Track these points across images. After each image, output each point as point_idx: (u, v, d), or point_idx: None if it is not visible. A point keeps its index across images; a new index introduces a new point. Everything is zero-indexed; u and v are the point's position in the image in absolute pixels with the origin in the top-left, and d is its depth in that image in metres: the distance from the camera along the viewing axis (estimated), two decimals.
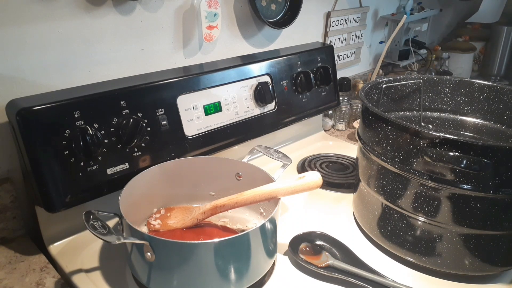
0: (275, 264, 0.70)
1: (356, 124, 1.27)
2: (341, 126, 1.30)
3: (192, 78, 0.84)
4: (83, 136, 0.67)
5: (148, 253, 0.57)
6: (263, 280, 0.66)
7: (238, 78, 0.92)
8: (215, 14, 0.92)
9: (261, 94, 0.95)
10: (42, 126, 0.65)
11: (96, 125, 0.70)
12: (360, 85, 1.42)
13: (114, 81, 0.80)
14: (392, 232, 0.71)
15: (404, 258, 0.71)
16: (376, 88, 0.84)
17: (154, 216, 0.75)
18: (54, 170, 0.66)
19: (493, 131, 0.85)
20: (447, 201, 0.63)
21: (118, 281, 0.66)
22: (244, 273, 0.62)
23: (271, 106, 0.99)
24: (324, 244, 0.73)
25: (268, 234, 0.64)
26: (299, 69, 1.04)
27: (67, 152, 0.67)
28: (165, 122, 0.79)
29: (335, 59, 1.18)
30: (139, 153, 0.76)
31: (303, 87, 1.05)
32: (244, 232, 0.59)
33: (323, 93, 1.12)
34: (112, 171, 0.72)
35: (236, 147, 0.94)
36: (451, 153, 0.58)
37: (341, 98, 1.23)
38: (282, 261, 0.71)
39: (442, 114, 0.90)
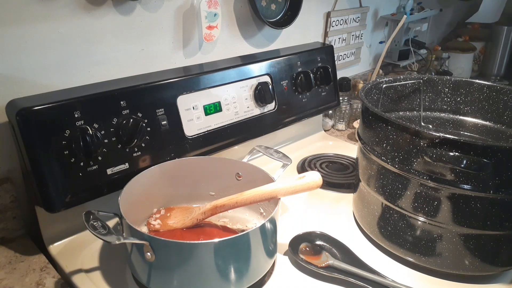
0: (275, 264, 0.70)
1: (356, 124, 1.27)
2: (341, 126, 1.30)
3: (192, 78, 0.84)
4: (83, 136, 0.67)
5: (148, 253, 0.57)
6: (263, 280, 0.66)
7: (238, 78, 0.92)
8: (215, 14, 0.92)
9: (261, 94, 0.95)
10: (42, 126, 0.65)
11: (96, 125, 0.70)
12: (360, 85, 1.42)
13: (114, 81, 0.80)
14: (392, 232, 0.71)
15: (404, 258, 0.71)
16: (376, 88, 0.84)
17: (154, 216, 0.75)
18: (54, 170, 0.66)
19: (493, 131, 0.85)
20: (447, 201, 0.63)
21: (118, 281, 0.66)
22: (244, 273, 0.62)
23: (271, 106, 0.99)
24: (324, 244, 0.73)
25: (268, 234, 0.64)
26: (299, 69, 1.04)
27: (67, 152, 0.67)
28: (165, 122, 0.79)
29: (335, 59, 1.18)
30: (139, 153, 0.76)
31: (303, 87, 1.05)
32: (244, 232, 0.59)
33: (323, 93, 1.12)
34: (112, 171, 0.72)
35: (236, 147, 0.94)
36: (451, 153, 0.58)
37: (341, 98, 1.23)
38: (282, 261, 0.71)
39: (442, 114, 0.90)
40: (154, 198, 0.77)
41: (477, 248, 0.65)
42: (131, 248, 0.61)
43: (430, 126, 0.90)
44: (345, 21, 1.37)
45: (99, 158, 0.71)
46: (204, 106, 0.86)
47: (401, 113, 0.90)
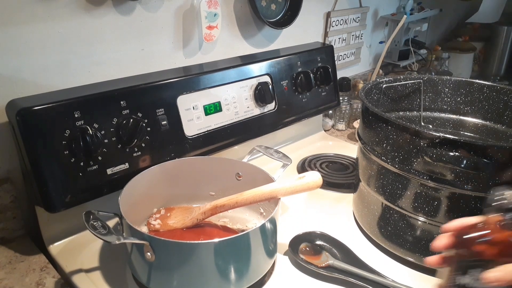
0: (275, 264, 0.70)
1: (356, 124, 1.27)
2: (341, 126, 1.30)
3: (192, 78, 0.84)
4: (83, 136, 0.67)
5: (148, 253, 0.57)
6: (263, 280, 0.66)
7: (238, 78, 0.92)
8: (215, 14, 0.92)
9: (261, 94, 0.95)
10: (42, 126, 0.65)
11: (96, 125, 0.70)
12: (360, 85, 1.42)
13: (114, 81, 0.80)
14: (392, 232, 0.71)
15: (404, 258, 0.71)
16: (376, 88, 0.84)
17: (154, 216, 0.75)
18: (54, 170, 0.66)
19: (493, 131, 0.85)
20: (447, 201, 0.63)
21: (118, 281, 0.66)
22: (244, 273, 0.62)
23: (271, 106, 0.99)
24: (324, 244, 0.73)
25: (268, 234, 0.64)
26: (299, 69, 1.04)
27: (67, 152, 0.67)
28: (165, 122, 0.79)
29: (335, 59, 1.18)
30: (139, 153, 0.76)
31: (303, 87, 1.05)
32: (244, 232, 0.59)
33: (323, 93, 1.12)
34: (112, 171, 0.72)
35: (236, 147, 0.94)
36: (451, 153, 0.58)
37: (341, 98, 1.22)
38: (282, 261, 0.71)
39: (442, 114, 0.90)
40: (154, 198, 0.77)
41: None
42: (131, 248, 0.61)
43: (430, 126, 0.90)
44: (345, 21, 1.37)
45: (99, 158, 0.71)
46: (204, 106, 0.86)
47: (401, 113, 0.90)
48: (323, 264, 0.68)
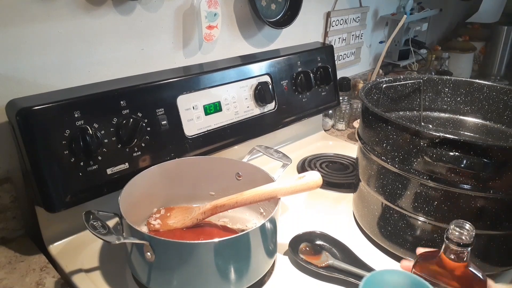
0: (275, 264, 0.70)
1: (356, 124, 1.27)
2: (341, 126, 1.30)
3: (192, 78, 0.84)
4: (83, 136, 0.67)
5: (148, 253, 0.57)
6: (263, 280, 0.66)
7: (238, 78, 0.92)
8: (215, 14, 0.92)
9: (261, 94, 0.95)
10: (42, 126, 0.65)
11: (96, 125, 0.70)
12: (360, 85, 1.42)
13: (114, 81, 0.80)
14: (392, 232, 0.71)
15: (404, 258, 0.71)
16: (376, 88, 0.84)
17: (154, 216, 0.75)
18: (54, 170, 0.66)
19: (493, 131, 0.85)
20: (447, 201, 0.63)
21: (118, 281, 0.66)
22: (244, 273, 0.62)
23: (271, 106, 0.99)
24: (324, 244, 0.73)
25: (268, 234, 0.64)
26: (299, 69, 1.04)
27: (67, 152, 0.67)
28: (165, 122, 0.79)
29: (335, 59, 1.18)
30: (139, 153, 0.76)
31: (303, 87, 1.05)
32: (244, 232, 0.59)
33: (323, 93, 1.12)
34: (112, 171, 0.72)
35: (236, 147, 0.94)
36: (451, 153, 0.58)
37: (341, 98, 1.22)
38: (282, 261, 0.71)
39: (442, 114, 0.90)
40: (154, 198, 0.77)
41: (477, 248, 0.65)
42: (131, 248, 0.61)
43: (430, 126, 0.90)
44: (345, 21, 1.37)
45: (99, 158, 0.71)
46: (204, 106, 0.86)
47: (401, 113, 0.90)
48: (323, 264, 0.68)
